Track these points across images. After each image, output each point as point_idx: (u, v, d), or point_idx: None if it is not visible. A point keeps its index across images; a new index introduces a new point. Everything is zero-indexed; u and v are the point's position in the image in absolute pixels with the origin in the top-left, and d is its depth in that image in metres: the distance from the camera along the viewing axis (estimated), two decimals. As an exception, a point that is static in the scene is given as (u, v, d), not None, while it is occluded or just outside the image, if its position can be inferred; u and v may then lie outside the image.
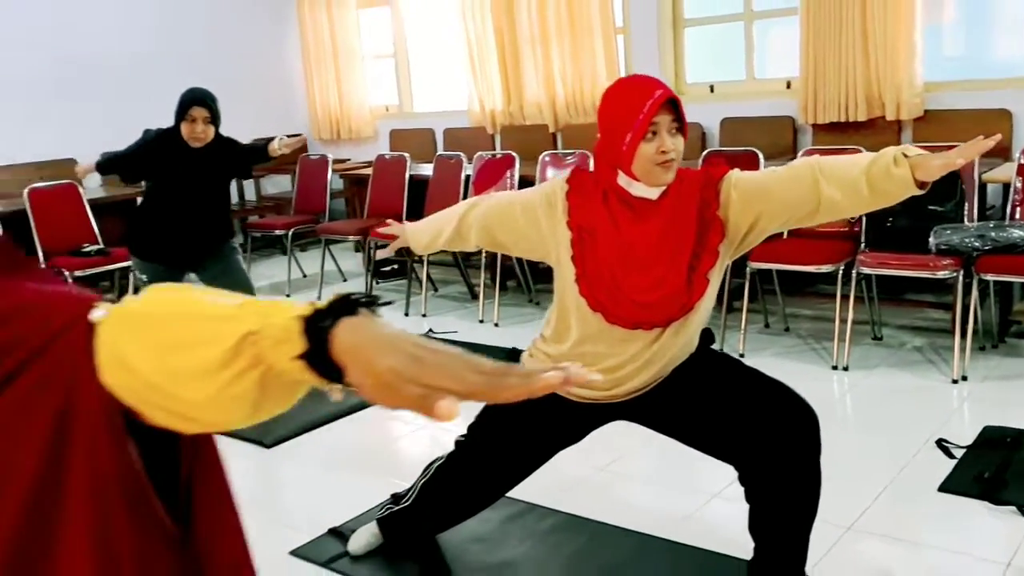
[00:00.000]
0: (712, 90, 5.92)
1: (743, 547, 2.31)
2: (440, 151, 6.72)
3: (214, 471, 0.90)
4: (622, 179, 2.04)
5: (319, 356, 0.72)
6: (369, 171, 6.27)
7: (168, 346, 0.76)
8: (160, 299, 0.81)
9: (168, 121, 3.87)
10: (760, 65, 5.80)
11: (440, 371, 0.71)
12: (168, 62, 6.79)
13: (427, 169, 5.98)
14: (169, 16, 7.05)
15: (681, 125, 2.03)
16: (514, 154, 5.54)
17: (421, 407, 0.70)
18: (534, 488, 2.65)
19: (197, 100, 3.79)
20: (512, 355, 2.89)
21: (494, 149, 6.54)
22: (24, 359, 0.81)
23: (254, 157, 4.19)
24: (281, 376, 0.75)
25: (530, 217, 2.19)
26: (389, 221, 2.63)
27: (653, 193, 2.05)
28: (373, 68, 7.78)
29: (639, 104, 1.96)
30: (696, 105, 5.27)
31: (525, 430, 2.30)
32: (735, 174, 2.08)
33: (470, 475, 2.43)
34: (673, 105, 2.00)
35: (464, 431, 2.44)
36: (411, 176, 5.97)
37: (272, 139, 4.13)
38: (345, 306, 0.74)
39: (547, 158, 5.43)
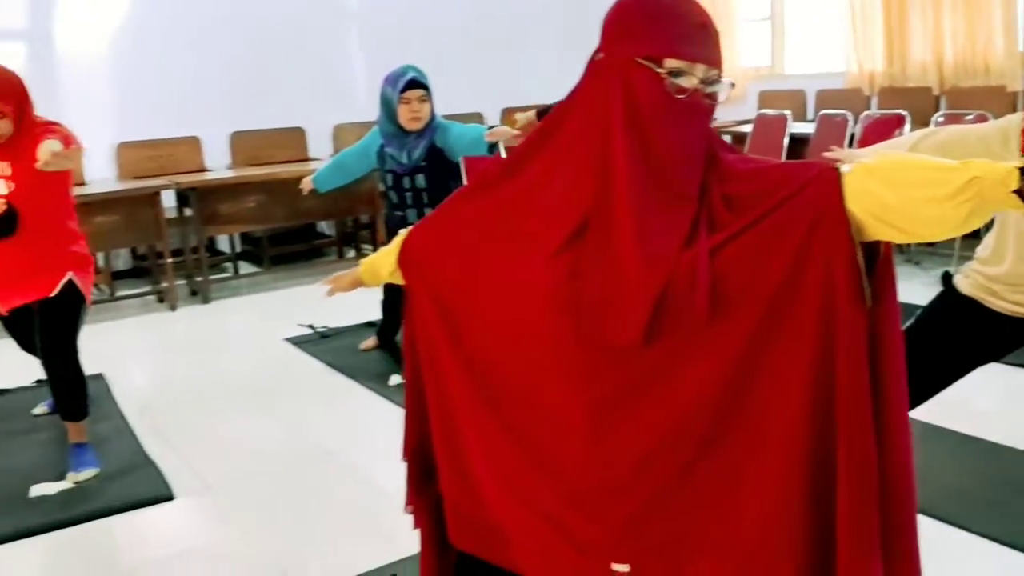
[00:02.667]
0: None
1: None
2: (810, 112, 6.89)
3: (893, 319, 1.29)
4: None
5: None
6: (746, 128, 6.60)
7: (908, 183, 1.19)
8: (894, 158, 1.25)
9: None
10: None
11: None
12: (541, 15, 7.53)
13: (802, 128, 6.20)
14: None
15: None
16: (904, 113, 5.63)
17: None
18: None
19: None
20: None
21: (869, 110, 6.60)
22: (778, 202, 1.26)
23: None
24: (990, 205, 1.16)
25: (985, 146, 2.42)
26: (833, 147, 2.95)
27: None
28: (748, 30, 8.05)
29: None
30: None
31: (952, 339, 2.49)
32: None
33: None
34: None
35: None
36: (790, 135, 6.22)
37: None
38: None
39: (940, 119, 5.46)
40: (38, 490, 3.12)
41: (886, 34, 6.72)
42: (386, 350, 4.50)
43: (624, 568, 1.42)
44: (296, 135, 6.83)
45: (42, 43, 5.95)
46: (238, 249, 6.61)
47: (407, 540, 2.32)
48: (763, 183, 1.30)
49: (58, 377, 3.21)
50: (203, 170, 6.37)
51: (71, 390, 3.22)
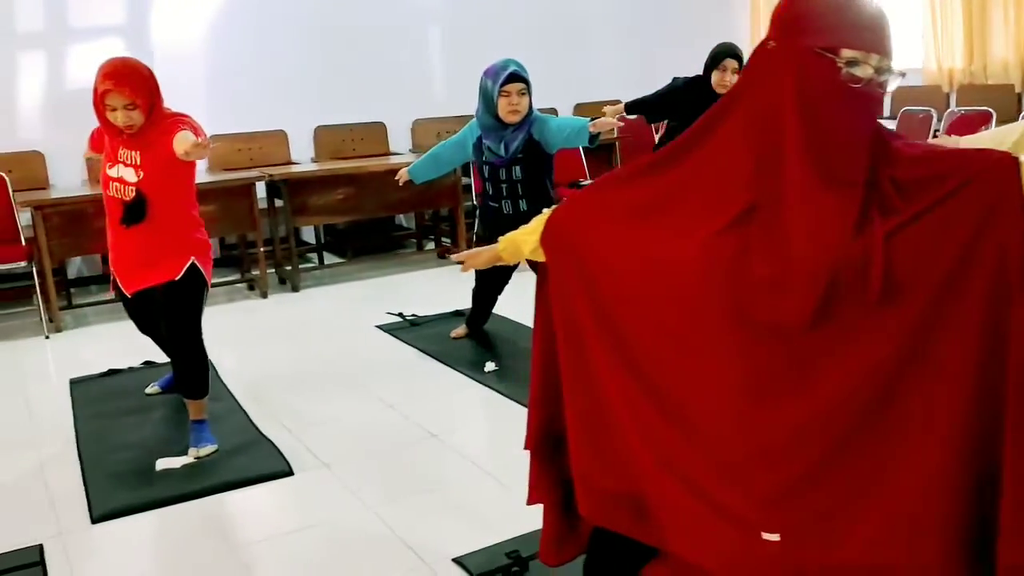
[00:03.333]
0: None
1: None
2: (887, 110, 6.86)
3: None
4: None
5: None
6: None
7: None
8: None
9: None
10: None
11: None
12: (608, 14, 7.65)
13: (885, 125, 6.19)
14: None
15: None
16: (991, 111, 5.61)
17: None
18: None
19: (728, 53, 4.38)
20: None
21: (948, 108, 6.57)
22: (952, 189, 1.33)
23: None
24: None
25: None
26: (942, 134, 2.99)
27: None
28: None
29: None
30: None
31: None
32: None
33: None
34: None
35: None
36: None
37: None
38: None
39: (1026, 116, 5.44)
40: (163, 464, 3.29)
41: (966, 31, 6.70)
42: (475, 338, 4.62)
43: (774, 537, 1.49)
44: (377, 129, 6.99)
45: (138, 38, 6.17)
46: (321, 240, 6.79)
47: (524, 518, 2.45)
48: (935, 168, 1.35)
49: (182, 357, 3.38)
50: (289, 163, 6.55)
51: (194, 369, 3.39)
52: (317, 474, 3.20)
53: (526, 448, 1.92)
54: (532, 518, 2.39)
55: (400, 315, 5.11)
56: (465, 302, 4.75)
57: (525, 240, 1.81)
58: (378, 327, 4.95)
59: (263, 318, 5.40)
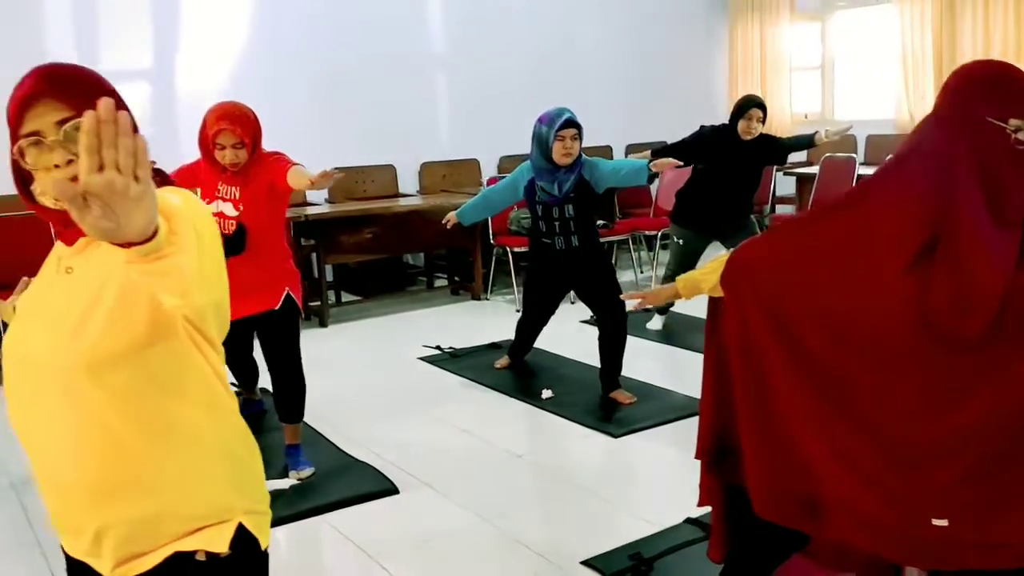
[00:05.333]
0: None
1: None
2: (861, 156, 7.40)
3: None
4: None
5: None
6: (810, 170, 7.08)
7: None
8: None
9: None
10: None
11: None
12: (604, 67, 8.11)
13: (866, 170, 6.70)
14: (612, 26, 8.30)
15: None
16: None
17: None
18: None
19: (754, 103, 4.80)
20: None
21: (921, 154, 7.12)
22: None
23: (795, 147, 5.13)
24: None
25: None
26: None
27: None
28: (798, 78, 8.58)
29: None
30: None
31: None
32: None
33: None
34: None
35: None
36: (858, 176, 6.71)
37: (816, 132, 5.05)
38: None
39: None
40: (271, 485, 3.47)
41: (937, 80, 7.26)
42: (518, 368, 4.88)
43: (943, 523, 1.80)
44: (387, 171, 7.25)
45: (164, 82, 6.36)
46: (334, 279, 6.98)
47: (628, 526, 2.71)
48: None
49: (285, 381, 3.58)
50: (306, 203, 6.76)
51: (294, 394, 3.59)
52: (422, 491, 3.43)
53: (697, 458, 2.20)
54: (635, 526, 2.69)
55: (438, 347, 5.35)
56: (491, 336, 5.10)
57: (705, 279, 2.11)
58: (420, 359, 5.18)
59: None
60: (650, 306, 2.39)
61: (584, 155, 4.39)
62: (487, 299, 6.72)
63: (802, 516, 2.00)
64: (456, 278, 7.13)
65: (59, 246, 1.48)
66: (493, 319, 6.08)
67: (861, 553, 2.11)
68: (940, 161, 1.74)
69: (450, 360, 5.14)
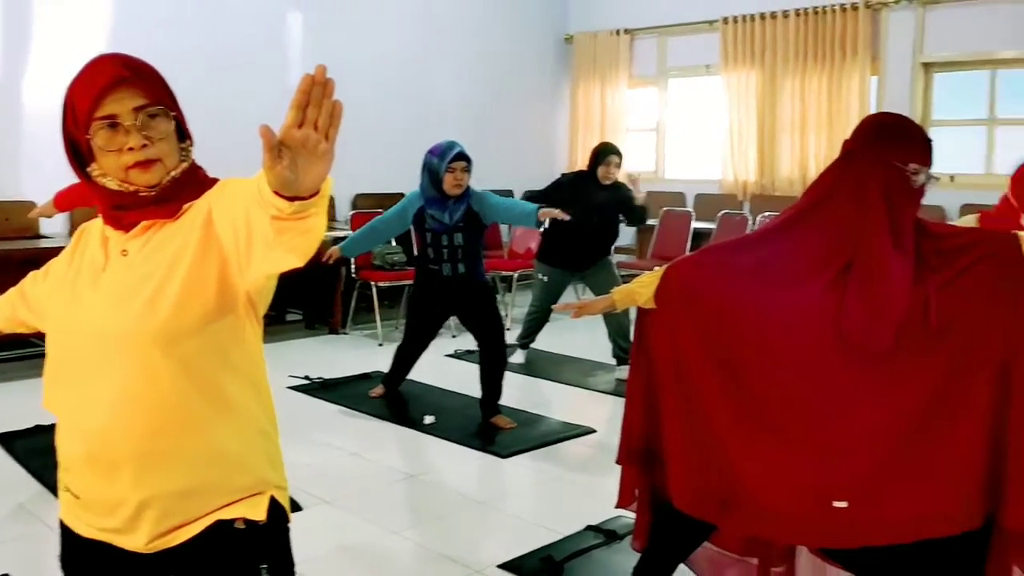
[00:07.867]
0: (952, 179, 7.12)
1: None
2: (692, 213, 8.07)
3: None
4: None
5: None
6: (652, 222, 7.64)
7: None
8: None
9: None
10: (1001, 162, 7.00)
11: None
12: (457, 112, 8.43)
13: (704, 225, 7.32)
14: (465, 77, 8.65)
15: None
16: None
17: None
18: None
19: (611, 151, 5.23)
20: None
21: (742, 213, 7.85)
22: (977, 257, 2.04)
23: (639, 212, 5.55)
24: None
25: None
26: None
27: None
28: (633, 139, 9.21)
29: None
30: (938, 191, 6.48)
31: None
32: None
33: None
34: None
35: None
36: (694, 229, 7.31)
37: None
38: None
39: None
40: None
41: (759, 152, 8.04)
42: (392, 397, 4.97)
43: (843, 504, 2.10)
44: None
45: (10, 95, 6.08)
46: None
47: (532, 534, 2.91)
48: (963, 240, 2.08)
49: None
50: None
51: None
52: (325, 508, 3.47)
53: (618, 462, 2.43)
54: (539, 533, 2.88)
55: (307, 377, 5.35)
56: (355, 368, 5.33)
57: (640, 292, 2.33)
58: (290, 387, 5.17)
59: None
60: (588, 315, 2.58)
61: (471, 188, 4.61)
62: (346, 333, 6.76)
63: (718, 512, 2.23)
64: (310, 312, 7.11)
65: (97, 229, 1.55)
66: (354, 351, 6.14)
67: (764, 539, 2.40)
68: (855, 195, 2.09)
69: (322, 389, 5.16)
